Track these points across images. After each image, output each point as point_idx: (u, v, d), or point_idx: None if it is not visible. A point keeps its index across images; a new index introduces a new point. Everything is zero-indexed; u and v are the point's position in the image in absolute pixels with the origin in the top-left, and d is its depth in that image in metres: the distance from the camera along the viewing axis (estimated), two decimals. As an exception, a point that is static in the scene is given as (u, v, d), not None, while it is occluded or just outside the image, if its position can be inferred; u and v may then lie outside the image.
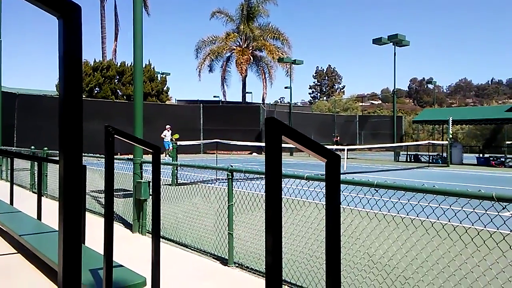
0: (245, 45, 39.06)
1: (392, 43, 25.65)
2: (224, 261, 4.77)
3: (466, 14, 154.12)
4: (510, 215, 2.74)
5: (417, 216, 3.29)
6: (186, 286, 4.01)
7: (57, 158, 1.09)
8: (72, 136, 1.05)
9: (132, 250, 5.26)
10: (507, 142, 30.25)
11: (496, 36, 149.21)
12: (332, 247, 1.29)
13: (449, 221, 3.08)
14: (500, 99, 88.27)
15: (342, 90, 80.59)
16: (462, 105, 76.53)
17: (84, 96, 28.61)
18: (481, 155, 24.08)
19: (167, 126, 24.74)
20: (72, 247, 1.06)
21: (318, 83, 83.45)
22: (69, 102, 1.04)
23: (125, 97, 31.11)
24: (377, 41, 25.88)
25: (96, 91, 30.63)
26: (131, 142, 2.67)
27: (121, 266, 3.29)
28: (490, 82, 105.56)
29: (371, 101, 77.92)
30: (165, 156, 23.88)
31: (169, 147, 23.83)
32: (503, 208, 2.64)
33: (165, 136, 24.36)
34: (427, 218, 3.24)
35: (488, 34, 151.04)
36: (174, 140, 22.06)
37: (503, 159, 21.74)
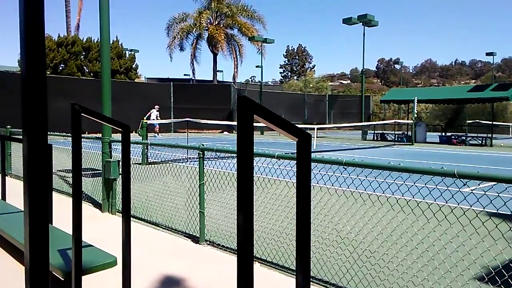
0: (216, 23, 38.33)
1: (361, 23, 25.79)
2: (195, 239, 4.79)
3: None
4: (470, 191, 2.88)
5: (383, 192, 3.40)
6: (157, 264, 4.02)
7: (21, 137, 1.05)
8: (36, 114, 1.01)
9: (101, 230, 5.20)
10: (468, 121, 31.45)
11: (460, 19, 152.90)
12: (303, 224, 1.32)
13: (413, 197, 3.20)
14: (463, 79, 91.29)
15: (312, 70, 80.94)
16: (427, 85, 78.66)
17: (48, 72, 27.49)
18: (443, 134, 24.94)
19: (156, 106, 24.84)
20: (38, 227, 1.04)
21: (289, 63, 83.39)
22: (32, 77, 1.00)
23: (92, 74, 30.12)
24: (347, 21, 25.97)
25: (61, 68, 29.47)
26: (99, 121, 2.60)
27: (91, 246, 3.25)
28: (453, 63, 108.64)
29: (340, 81, 78.84)
30: (157, 134, 24.10)
31: (155, 126, 24.03)
32: (464, 185, 2.77)
33: (151, 113, 24.43)
34: (393, 194, 3.35)
35: (452, 17, 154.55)
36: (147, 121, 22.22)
37: (464, 138, 22.62)
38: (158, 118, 24.50)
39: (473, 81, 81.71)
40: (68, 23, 36.49)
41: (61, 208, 4.64)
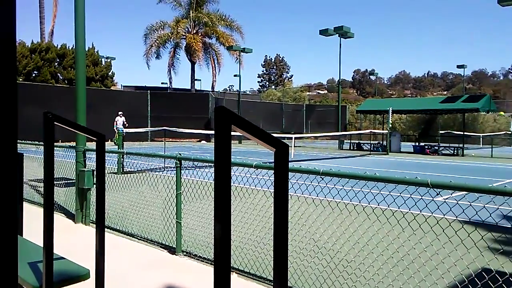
0: (194, 31, 38.32)
1: (337, 35, 26.26)
2: (172, 250, 4.72)
3: (405, 11, 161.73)
4: (443, 201, 2.94)
5: (360, 202, 3.44)
6: (132, 276, 3.93)
7: (-10, 146, 1.02)
8: (5, 122, 0.98)
9: (75, 241, 5.06)
10: (441, 132, 32.32)
11: (433, 32, 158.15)
12: (280, 234, 1.31)
13: (388, 207, 3.25)
14: (435, 91, 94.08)
15: (290, 80, 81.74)
16: (401, 96, 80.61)
17: (21, 79, 26.82)
18: (417, 144, 25.54)
19: (119, 112, 24.51)
20: (6, 239, 1.00)
21: (267, 72, 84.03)
22: (1, 84, 0.97)
23: (66, 82, 29.54)
24: (324, 32, 26.42)
25: (34, 75, 28.78)
26: (73, 130, 2.54)
27: (63, 258, 3.14)
28: (426, 75, 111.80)
29: (317, 91, 79.87)
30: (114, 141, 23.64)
31: (122, 131, 23.57)
32: (437, 194, 2.83)
33: (117, 121, 24.08)
34: (369, 204, 3.39)
35: (425, 30, 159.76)
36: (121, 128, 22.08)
37: (436, 148, 23.23)
38: (126, 123, 24.27)
39: (445, 92, 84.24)
40: (42, 29, 35.79)
41: (32, 219, 4.50)
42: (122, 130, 24.08)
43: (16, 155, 1.02)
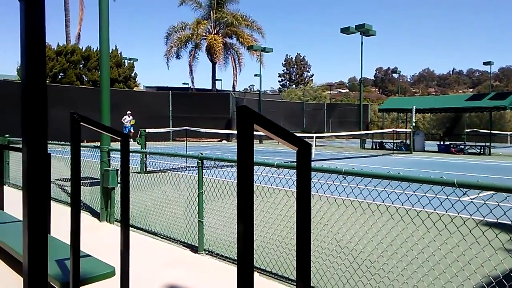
0: (215, 32, 38.55)
1: (359, 33, 25.93)
2: (194, 249, 4.76)
3: (429, 8, 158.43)
4: (470, 201, 2.87)
5: (383, 202, 3.40)
6: (155, 274, 3.99)
7: (20, 146, 1.05)
8: (36, 123, 1.01)
9: (100, 240, 5.17)
10: (466, 130, 31.49)
11: (458, 28, 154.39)
12: (303, 233, 1.31)
13: (412, 207, 3.19)
14: (461, 88, 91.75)
15: (310, 79, 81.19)
16: (425, 94, 79.01)
17: (47, 81, 27.54)
18: (442, 143, 24.95)
19: (128, 112, 25.51)
20: (37, 238, 1.03)
21: (287, 71, 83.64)
22: (32, 87, 1.00)
23: (91, 83, 30.20)
24: (345, 30, 26.13)
25: (60, 77, 29.53)
26: (99, 130, 2.59)
27: (89, 256, 3.22)
28: (451, 72, 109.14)
29: (338, 90, 79.04)
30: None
31: (129, 131, 24.57)
32: (464, 194, 2.77)
33: (124, 119, 25.19)
34: (392, 203, 3.34)
35: (449, 27, 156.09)
36: (131, 125, 23.25)
37: (462, 146, 22.65)
38: (130, 123, 25.57)
39: (471, 90, 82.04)
40: (68, 32, 36.62)
41: (59, 218, 4.62)
42: (129, 129, 25.10)
43: (46, 155, 1.05)
